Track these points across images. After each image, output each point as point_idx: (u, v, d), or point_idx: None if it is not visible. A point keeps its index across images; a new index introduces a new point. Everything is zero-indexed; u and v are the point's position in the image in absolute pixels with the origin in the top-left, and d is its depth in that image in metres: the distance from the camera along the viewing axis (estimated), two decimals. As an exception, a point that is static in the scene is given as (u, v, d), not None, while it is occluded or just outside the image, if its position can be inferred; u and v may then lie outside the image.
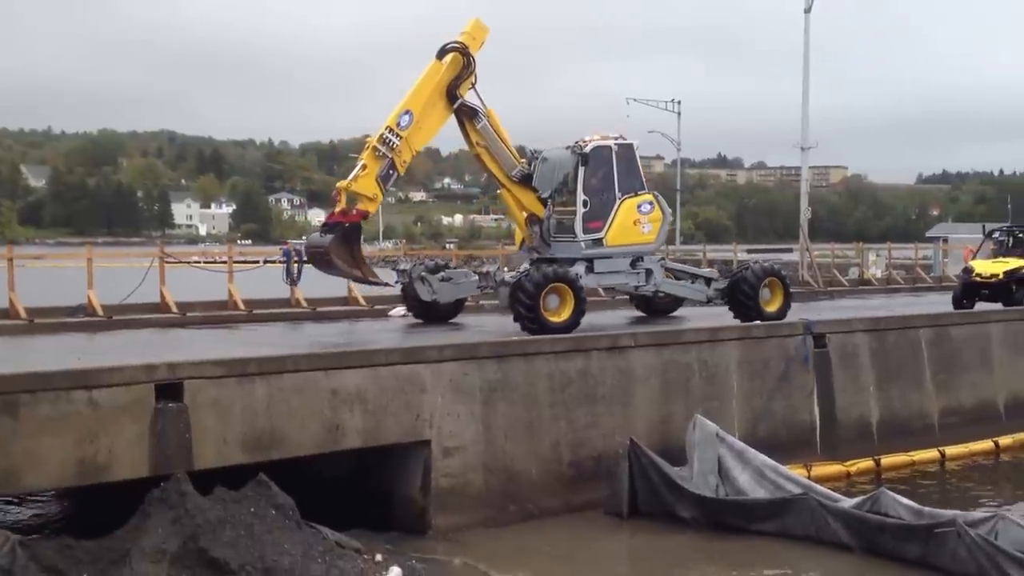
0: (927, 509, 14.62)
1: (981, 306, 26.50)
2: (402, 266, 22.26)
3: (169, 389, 13.22)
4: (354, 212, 19.13)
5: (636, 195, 21.47)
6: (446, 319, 22.25)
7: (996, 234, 30.09)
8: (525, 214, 21.24)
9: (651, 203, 21.69)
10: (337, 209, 19.32)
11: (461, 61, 20.00)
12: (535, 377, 16.80)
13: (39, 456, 12.35)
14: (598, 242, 21.14)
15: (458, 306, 22.57)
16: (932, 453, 20.82)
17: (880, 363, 21.54)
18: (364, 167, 19.17)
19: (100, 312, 21.98)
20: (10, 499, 16.52)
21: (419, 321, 22.30)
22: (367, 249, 26.53)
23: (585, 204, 20.97)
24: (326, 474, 15.77)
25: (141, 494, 12.41)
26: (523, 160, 21.25)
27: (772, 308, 22.17)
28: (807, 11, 40.02)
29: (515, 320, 19.67)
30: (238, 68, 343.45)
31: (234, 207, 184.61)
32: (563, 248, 21.08)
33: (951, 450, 21.10)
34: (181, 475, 12.54)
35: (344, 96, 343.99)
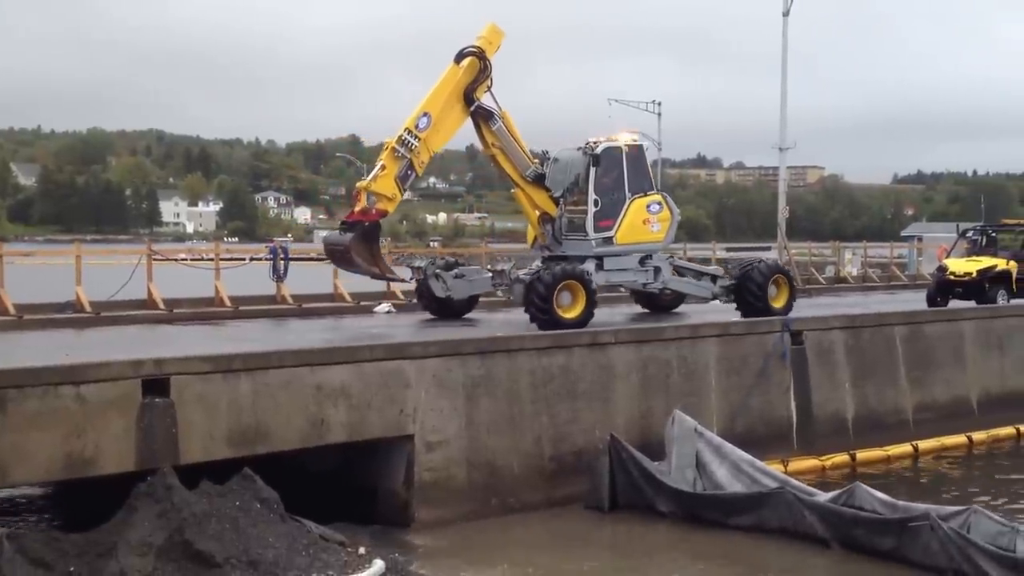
0: (901, 503, 14.80)
1: (955, 304, 26.84)
2: (417, 263, 22.78)
3: (156, 384, 13.35)
4: (373, 211, 19.57)
5: (645, 195, 22.01)
6: (459, 315, 22.62)
7: (970, 233, 30.52)
8: (538, 213, 21.66)
9: (660, 203, 22.21)
10: (357, 208, 19.81)
11: (478, 65, 20.45)
12: (517, 373, 17.01)
13: (27, 450, 12.47)
14: (608, 240, 21.63)
15: (471, 302, 22.97)
16: (906, 448, 21.12)
17: (856, 360, 21.84)
18: (383, 168, 19.62)
19: (88, 308, 22.11)
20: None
21: (398, 315, 22.60)
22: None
23: (596, 203, 21.45)
24: (311, 468, 15.90)
25: (128, 488, 12.56)
26: (536, 160, 21.66)
27: (779, 304, 22.63)
28: (785, 14, 40.29)
29: (530, 318, 20.05)
30: (226, 68, 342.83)
31: (221, 205, 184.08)
32: (574, 246, 21.55)
33: (925, 445, 21.40)
34: (167, 469, 12.70)
35: (329, 96, 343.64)
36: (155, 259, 24.52)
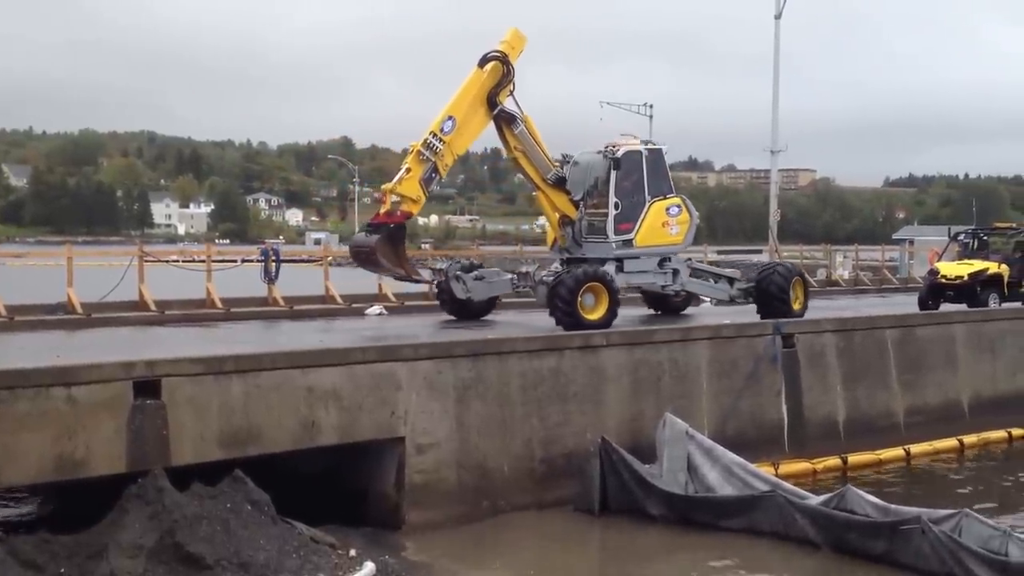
0: (892, 506, 14.85)
1: (947, 307, 26.92)
2: (438, 265, 22.96)
3: (147, 386, 13.33)
4: (398, 213, 19.72)
5: (665, 198, 22.22)
6: (478, 316, 22.71)
7: (961, 236, 30.51)
8: (558, 215, 21.77)
9: (679, 206, 22.40)
10: (382, 210, 19.98)
11: (501, 69, 20.54)
12: (508, 376, 17.03)
13: (18, 452, 12.45)
14: (628, 243, 21.81)
15: (491, 304, 23.08)
16: (898, 451, 21.18)
17: (847, 363, 21.90)
18: (408, 170, 19.73)
19: (79, 310, 22.05)
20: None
21: (389, 317, 22.62)
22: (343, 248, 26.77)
23: (616, 206, 21.60)
24: (302, 470, 15.89)
25: (119, 490, 12.56)
26: (557, 163, 21.77)
27: (797, 307, 22.96)
28: (777, 17, 40.33)
29: (555, 320, 20.08)
30: (217, 70, 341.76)
31: (212, 207, 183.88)
32: (594, 248, 21.69)
33: (916, 448, 21.47)
34: (158, 471, 12.71)
35: (320, 98, 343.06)
36: (147, 261, 24.47)
